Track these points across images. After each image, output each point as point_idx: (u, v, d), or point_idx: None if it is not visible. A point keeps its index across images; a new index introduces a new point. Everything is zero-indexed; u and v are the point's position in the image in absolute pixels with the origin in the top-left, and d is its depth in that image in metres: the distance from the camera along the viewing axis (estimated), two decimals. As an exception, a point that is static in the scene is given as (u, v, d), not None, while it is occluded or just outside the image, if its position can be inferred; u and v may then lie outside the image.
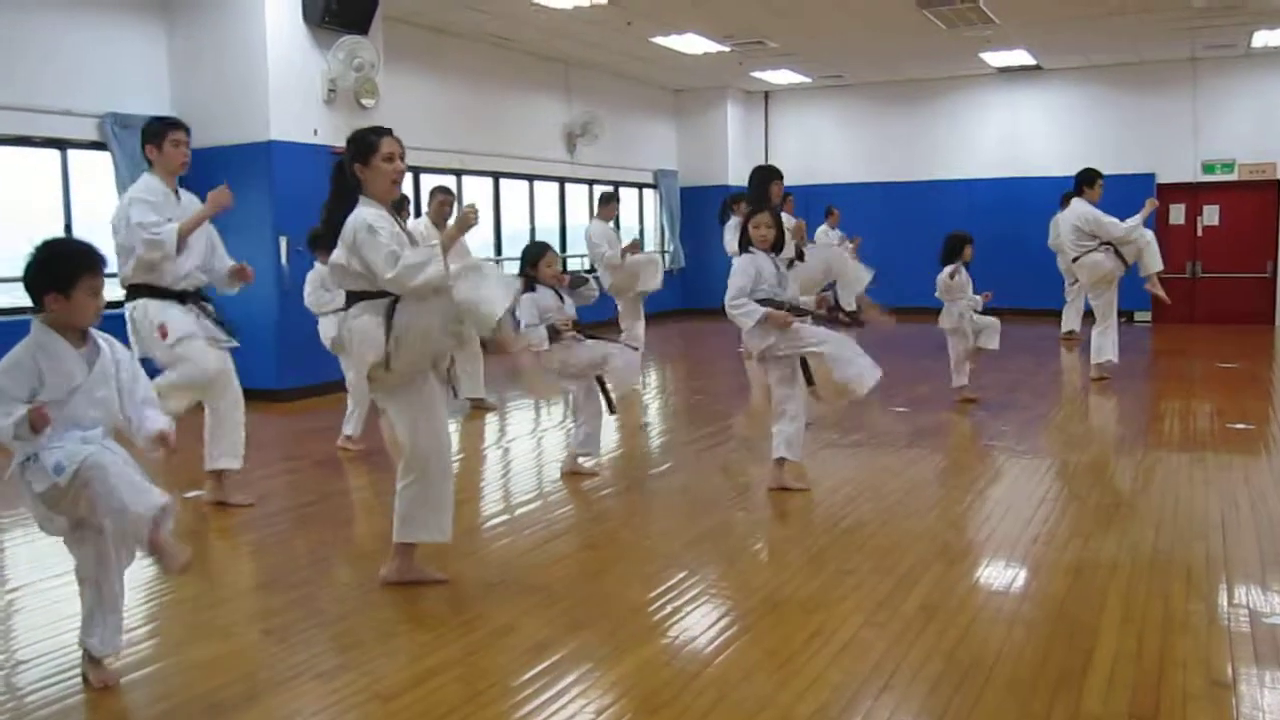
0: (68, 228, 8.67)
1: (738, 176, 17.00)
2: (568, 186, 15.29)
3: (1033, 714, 3.10)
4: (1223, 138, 15.21)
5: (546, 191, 14.96)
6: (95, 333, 3.38)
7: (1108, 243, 9.30)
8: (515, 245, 13.07)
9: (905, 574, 4.39)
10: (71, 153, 8.88)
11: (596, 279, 6.70)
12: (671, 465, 6.70)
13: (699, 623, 3.91)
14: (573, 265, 14.46)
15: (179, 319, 5.33)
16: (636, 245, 11.56)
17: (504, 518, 5.66)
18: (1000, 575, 4.47)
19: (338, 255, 4.12)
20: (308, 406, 8.67)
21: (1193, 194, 15.55)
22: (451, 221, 8.64)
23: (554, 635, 3.78)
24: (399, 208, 7.77)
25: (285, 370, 8.94)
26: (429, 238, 8.35)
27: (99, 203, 8.92)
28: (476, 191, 13.40)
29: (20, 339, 3.28)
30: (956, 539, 5.00)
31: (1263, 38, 13.58)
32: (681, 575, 4.46)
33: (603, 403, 6.27)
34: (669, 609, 4.07)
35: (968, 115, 16.84)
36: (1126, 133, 15.64)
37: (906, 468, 6.57)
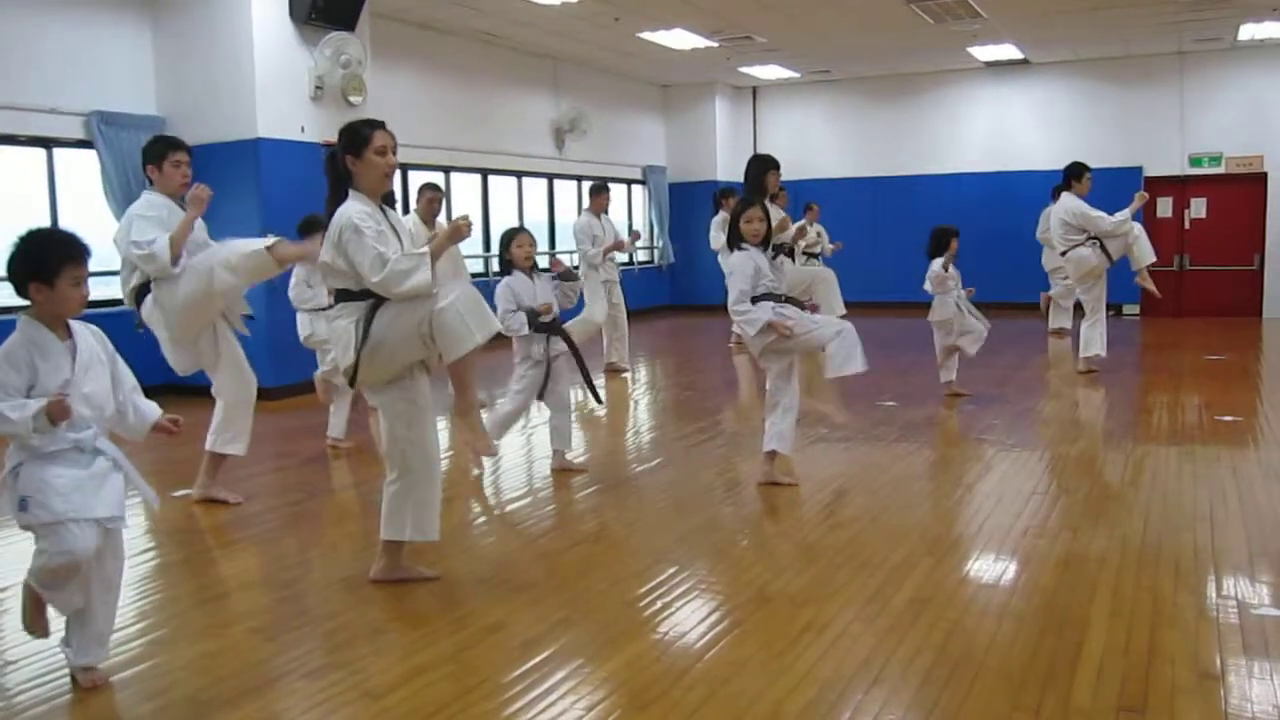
0: (38, 226, 8.64)
1: (726, 172, 17.02)
2: (556, 183, 15.27)
3: (1022, 707, 3.11)
4: (1210, 131, 15.26)
5: (535, 188, 14.93)
6: (78, 324, 3.35)
7: (1094, 237, 9.33)
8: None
9: (895, 568, 4.40)
10: (57, 151, 8.83)
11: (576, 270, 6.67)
12: (661, 461, 6.70)
13: (689, 618, 3.91)
14: (564, 261, 14.42)
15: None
16: (638, 235, 11.56)
17: (494, 514, 5.66)
18: (990, 568, 4.48)
19: (324, 253, 4.11)
20: (297, 404, 8.66)
21: (1180, 187, 15.60)
22: (441, 220, 8.68)
23: (544, 632, 3.77)
24: (387, 203, 7.77)
25: (274, 368, 8.91)
26: (417, 235, 8.38)
27: (85, 201, 8.90)
28: (465, 188, 13.38)
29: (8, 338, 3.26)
30: (946, 533, 5.01)
31: (1249, 30, 13.62)
32: (671, 571, 4.46)
33: (570, 396, 6.24)
34: (659, 605, 4.07)
35: (956, 110, 16.87)
36: (1114, 126, 15.68)
37: (896, 462, 6.58)
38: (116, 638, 3.60)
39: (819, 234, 15.36)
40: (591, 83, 15.73)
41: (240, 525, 5.39)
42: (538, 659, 3.53)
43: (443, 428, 7.87)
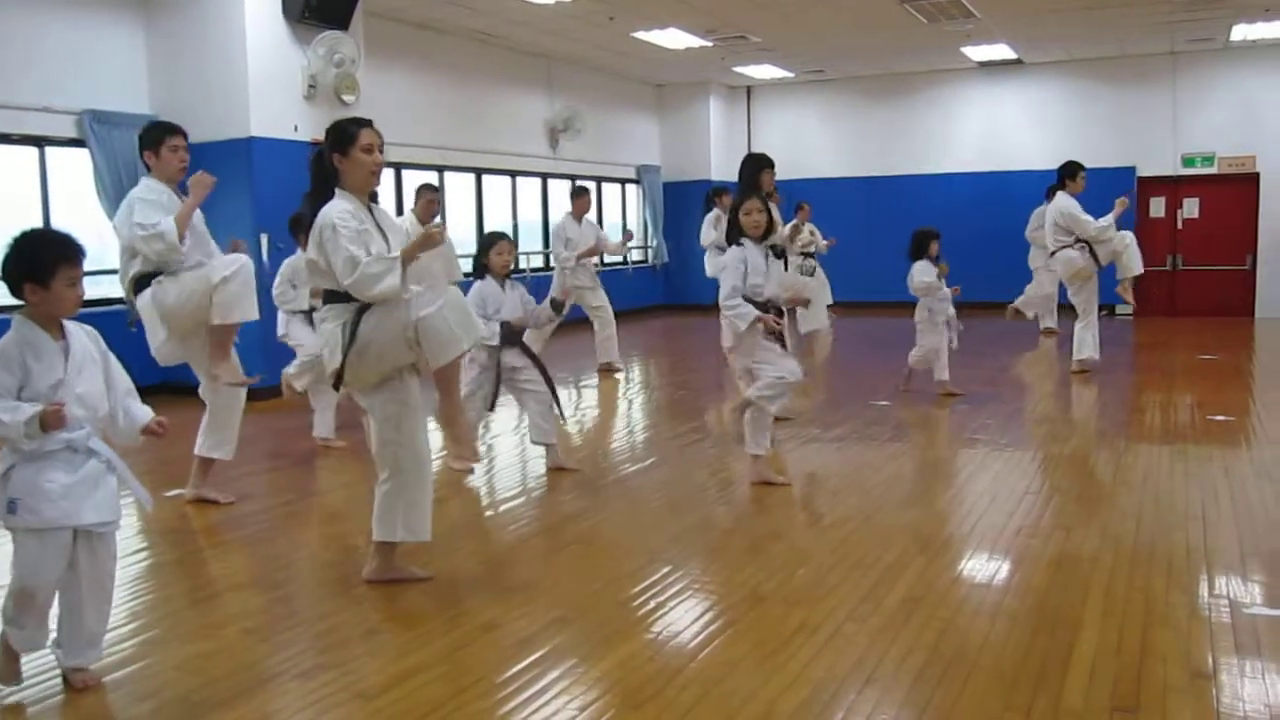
0: (46, 225, 8.62)
1: (721, 172, 17.02)
2: (550, 182, 15.26)
3: (1015, 706, 3.11)
4: (1202, 131, 15.30)
5: (529, 187, 14.93)
6: (71, 324, 3.34)
7: (1082, 240, 9.35)
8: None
9: (888, 567, 4.40)
10: (50, 150, 8.81)
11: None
12: (655, 460, 6.70)
13: (682, 618, 3.92)
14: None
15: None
16: (630, 236, 11.54)
17: (487, 514, 5.66)
18: (983, 568, 4.49)
19: (310, 251, 4.10)
20: (290, 404, 8.63)
21: (1173, 187, 15.64)
22: (437, 222, 8.67)
23: (537, 632, 3.77)
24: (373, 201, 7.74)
25: (267, 368, 8.89)
26: (414, 236, 8.36)
27: (77, 200, 8.88)
28: (459, 188, 13.36)
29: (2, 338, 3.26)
30: (939, 532, 5.02)
31: (1241, 31, 13.66)
32: (665, 571, 4.46)
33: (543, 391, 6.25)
34: (652, 604, 4.07)
35: (949, 110, 16.89)
36: (1107, 126, 15.71)
37: (889, 462, 6.59)
38: (109, 638, 3.59)
39: (812, 233, 15.39)
40: (586, 82, 15.72)
41: (233, 526, 5.39)
42: (531, 659, 3.53)
43: (434, 428, 7.88)
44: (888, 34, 13.50)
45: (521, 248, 12.18)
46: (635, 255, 17.39)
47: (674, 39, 13.47)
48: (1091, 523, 5.03)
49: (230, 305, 5.30)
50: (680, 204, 17.11)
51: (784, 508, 5.47)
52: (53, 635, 3.42)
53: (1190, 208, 15.66)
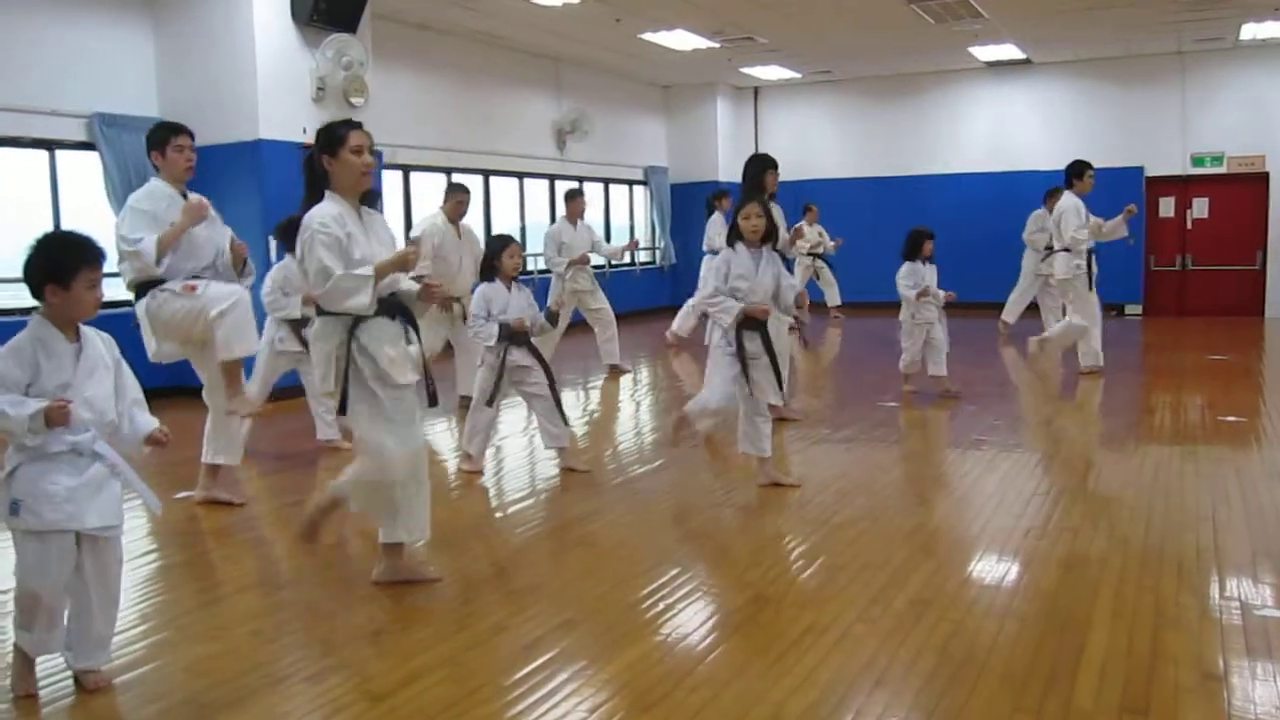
0: (56, 228, 8.64)
1: (728, 173, 17.01)
2: (558, 184, 15.26)
3: (1025, 708, 3.11)
4: (1211, 130, 15.25)
5: (536, 189, 14.94)
6: (88, 329, 3.37)
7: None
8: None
9: (897, 569, 4.40)
10: (60, 153, 8.84)
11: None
12: (663, 462, 6.70)
13: (691, 620, 3.91)
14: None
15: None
16: (636, 244, 11.52)
17: (495, 516, 5.66)
18: (992, 570, 4.48)
19: (299, 254, 4.10)
20: (298, 406, 8.63)
21: (1182, 187, 15.59)
22: (466, 223, 8.65)
23: (546, 633, 3.77)
24: (369, 203, 7.72)
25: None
26: (447, 233, 8.40)
27: (87, 203, 8.90)
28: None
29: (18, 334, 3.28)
30: (948, 534, 5.01)
31: (1250, 30, 13.61)
32: (673, 572, 4.46)
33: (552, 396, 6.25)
34: (661, 606, 4.07)
35: (957, 110, 16.86)
36: (1116, 126, 15.66)
37: (897, 463, 6.58)
38: (119, 640, 3.60)
39: (820, 234, 15.41)
40: (593, 83, 15.72)
41: (241, 528, 5.40)
42: (540, 661, 3.53)
43: (439, 430, 7.89)
44: (895, 34, 13.48)
45: (529, 249, 12.17)
46: (643, 256, 17.39)
47: (681, 40, 13.47)
48: (1101, 524, 5.01)
49: (231, 341, 5.34)
50: (687, 205, 17.09)
51: (792, 509, 5.46)
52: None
53: (1200, 207, 15.61)
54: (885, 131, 17.29)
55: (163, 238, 5.23)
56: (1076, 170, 9.51)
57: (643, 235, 17.62)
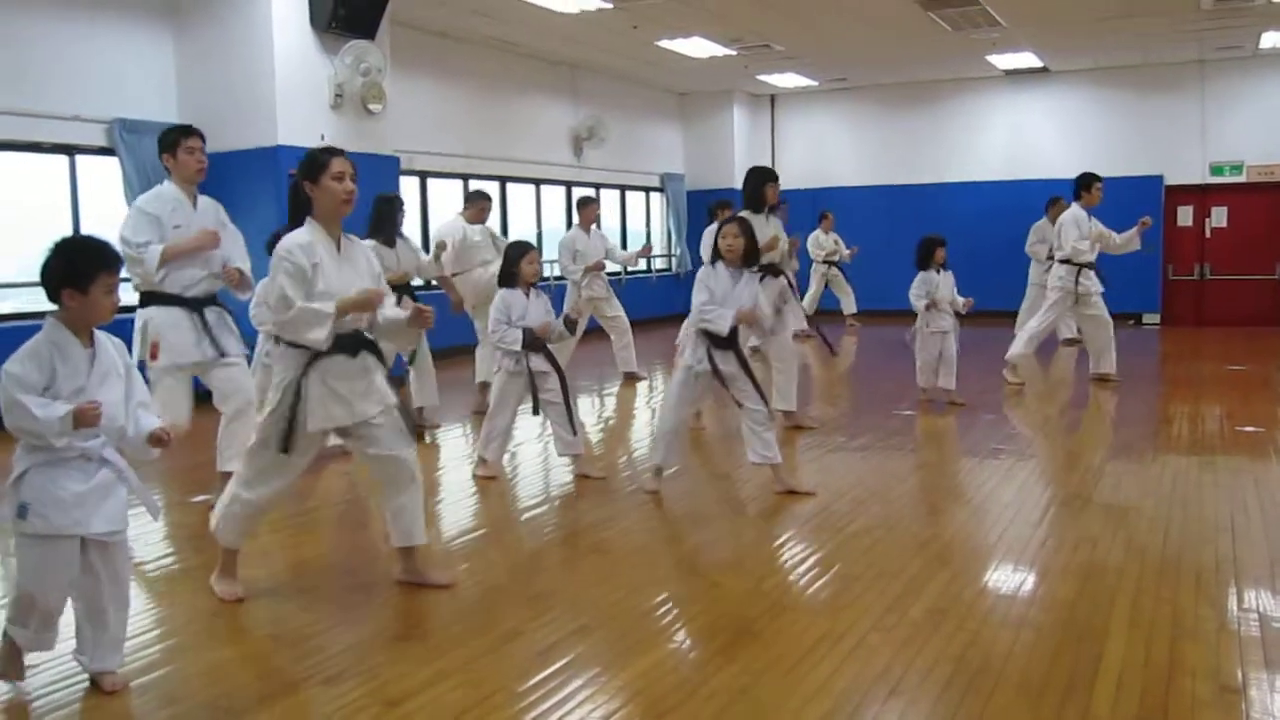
0: (76, 233, 8.71)
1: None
2: (574, 190, 15.29)
3: (1041, 718, 3.09)
4: (1231, 139, 15.18)
5: (553, 196, 14.97)
6: (101, 334, 3.39)
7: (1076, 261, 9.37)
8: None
9: (912, 578, 4.38)
10: (80, 158, 8.91)
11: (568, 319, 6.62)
12: (678, 469, 6.69)
13: (705, 628, 3.91)
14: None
15: (174, 343, 5.42)
16: (649, 250, 11.50)
17: (510, 522, 5.66)
18: (1008, 579, 4.46)
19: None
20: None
21: (1201, 196, 15.52)
22: (492, 226, 8.69)
23: (560, 640, 3.77)
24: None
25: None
26: (470, 237, 8.45)
27: (107, 209, 8.95)
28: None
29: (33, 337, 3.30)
30: (964, 543, 4.99)
31: (1271, 39, 13.55)
32: (688, 579, 4.45)
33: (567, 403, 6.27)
34: (675, 614, 4.07)
35: (974, 118, 16.83)
36: (1134, 135, 15.61)
37: (913, 471, 6.56)
38: (135, 643, 3.62)
39: (835, 242, 15.40)
40: (609, 90, 15.76)
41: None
42: (554, 667, 3.53)
43: (454, 436, 7.89)
44: (912, 42, 13.47)
45: (545, 256, 12.19)
46: (659, 264, 17.41)
47: (698, 48, 13.49)
48: (1119, 534, 4.99)
49: (232, 449, 5.58)
50: (704, 213, 17.00)
51: (807, 517, 5.45)
52: (72, 644, 3.46)
53: (1219, 216, 15.54)
54: (902, 139, 17.26)
55: (168, 249, 5.28)
56: (1085, 182, 9.50)
57: (659, 242, 17.64)
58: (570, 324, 6.37)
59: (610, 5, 10.96)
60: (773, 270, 7.27)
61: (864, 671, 3.44)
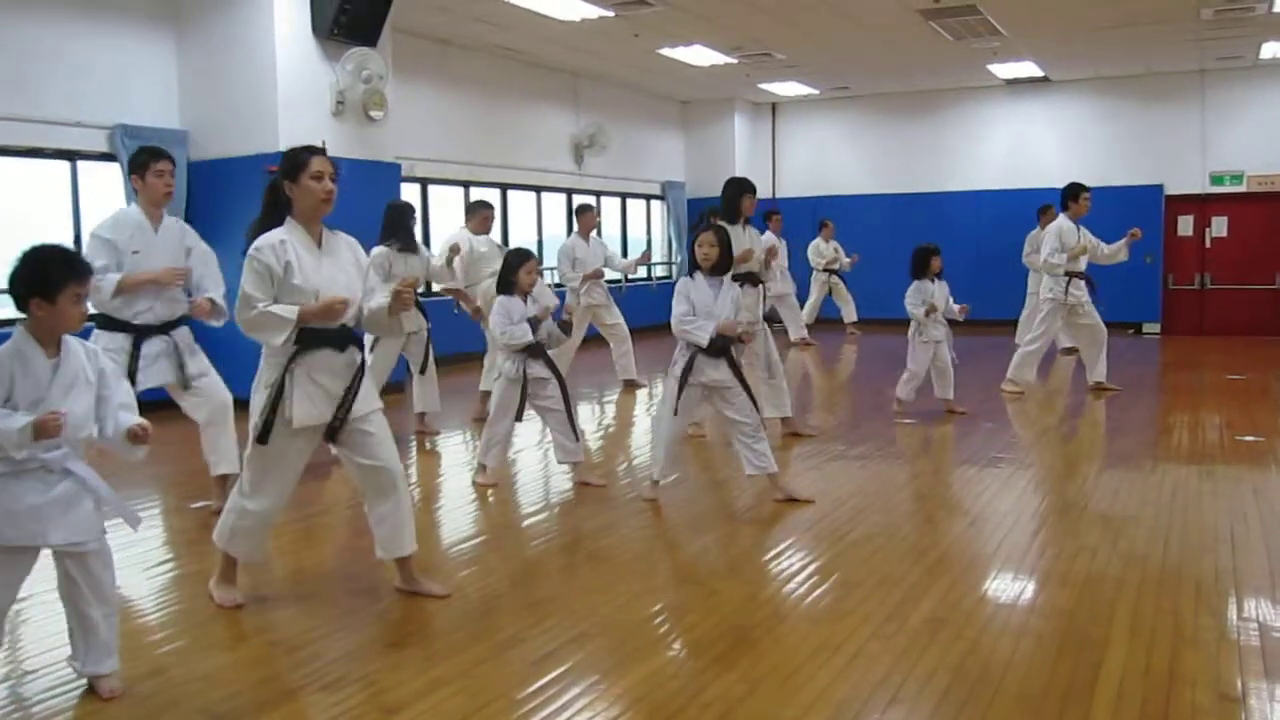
0: (76, 239, 8.68)
1: (745, 188, 17.01)
2: (575, 198, 15.29)
3: (1040, 728, 3.09)
4: (1231, 149, 15.20)
5: (554, 203, 14.98)
6: (76, 341, 3.35)
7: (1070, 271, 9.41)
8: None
9: (912, 586, 4.38)
10: (81, 164, 8.91)
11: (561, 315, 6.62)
12: (677, 477, 6.68)
13: (704, 636, 3.90)
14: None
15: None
16: (648, 257, 11.50)
17: (509, 529, 5.66)
18: (1007, 588, 4.45)
19: None
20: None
21: (1201, 206, 15.53)
22: (493, 238, 8.69)
23: (559, 647, 3.77)
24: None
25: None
26: (477, 249, 8.47)
27: (108, 215, 8.95)
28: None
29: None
30: (963, 551, 4.99)
31: (1271, 49, 13.58)
32: (687, 587, 4.45)
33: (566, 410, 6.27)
34: (674, 621, 4.07)
35: (975, 127, 16.84)
36: (1135, 144, 15.62)
37: (912, 480, 6.56)
38: (135, 647, 3.62)
39: (836, 250, 15.43)
40: (611, 98, 15.78)
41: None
42: (552, 675, 3.52)
43: (455, 443, 7.89)
44: (913, 51, 13.49)
45: (546, 263, 12.20)
46: (659, 271, 17.42)
47: (699, 56, 13.51)
48: (1118, 543, 4.98)
49: (217, 453, 5.66)
50: (704, 220, 17.12)
51: (806, 525, 5.45)
52: (68, 650, 3.46)
53: (1219, 226, 15.55)
54: (903, 148, 17.28)
55: (125, 280, 5.25)
56: (1072, 192, 9.50)
57: (659, 250, 17.65)
58: (565, 327, 6.38)
59: (612, 13, 10.98)
60: (751, 279, 7.27)
61: (863, 680, 3.44)
